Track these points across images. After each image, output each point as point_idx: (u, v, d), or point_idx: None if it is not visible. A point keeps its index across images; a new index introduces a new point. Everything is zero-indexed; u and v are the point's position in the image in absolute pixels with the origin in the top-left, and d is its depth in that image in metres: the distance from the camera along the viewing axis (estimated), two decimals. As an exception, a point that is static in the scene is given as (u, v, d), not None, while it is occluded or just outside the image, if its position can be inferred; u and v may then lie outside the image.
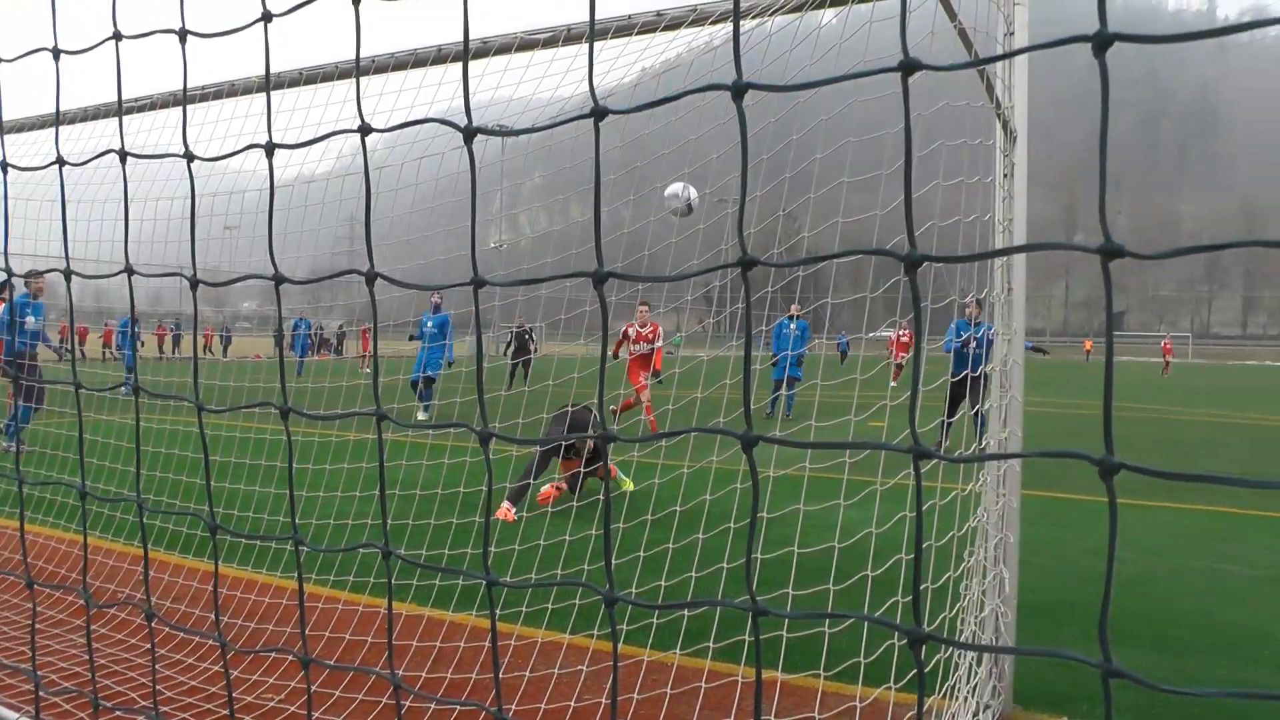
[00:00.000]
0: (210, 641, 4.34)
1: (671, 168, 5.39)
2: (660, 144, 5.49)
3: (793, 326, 17.56)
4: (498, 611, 5.66)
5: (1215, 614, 6.35)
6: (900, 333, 24.01)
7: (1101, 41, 1.00)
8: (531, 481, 8.46)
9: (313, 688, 4.41)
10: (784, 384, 16.38)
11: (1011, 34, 4.29)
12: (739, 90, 1.31)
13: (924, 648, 1.11)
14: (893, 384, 22.56)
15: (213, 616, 3.42)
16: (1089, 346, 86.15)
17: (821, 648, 3.92)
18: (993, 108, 4.38)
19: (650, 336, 15.30)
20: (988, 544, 4.32)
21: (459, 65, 5.23)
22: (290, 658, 4.68)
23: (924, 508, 4.12)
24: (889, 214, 3.27)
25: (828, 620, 4.27)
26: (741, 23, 4.65)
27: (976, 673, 4.30)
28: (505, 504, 8.30)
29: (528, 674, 4.71)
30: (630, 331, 15.42)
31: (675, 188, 4.83)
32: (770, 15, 4.57)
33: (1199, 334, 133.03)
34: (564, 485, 8.79)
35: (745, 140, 1.38)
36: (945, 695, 4.01)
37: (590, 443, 8.42)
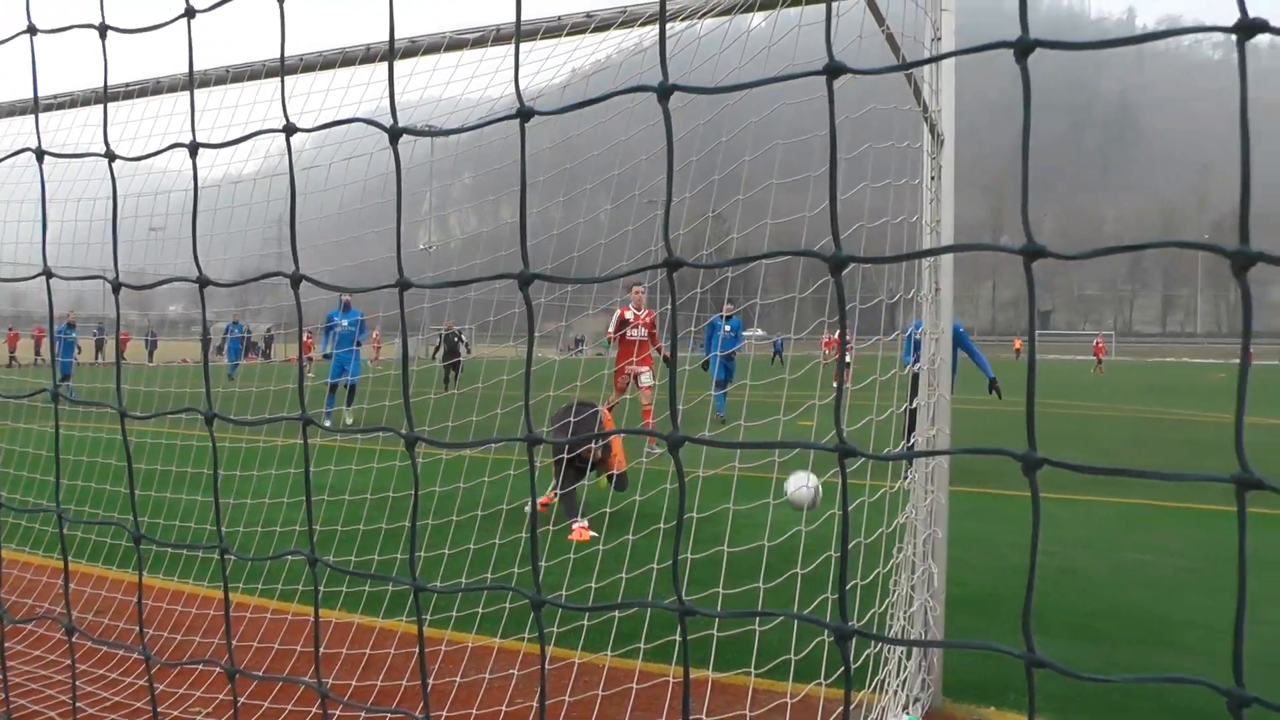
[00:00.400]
0: (134, 655, 4.24)
1: (601, 169, 5.38)
2: (590, 145, 5.48)
3: (726, 328, 17.48)
4: (428, 617, 5.60)
5: (1137, 603, 6.52)
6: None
7: (1023, 48, 1.02)
8: (569, 489, 8.15)
9: (240, 700, 4.33)
10: (720, 383, 16.40)
11: (939, 39, 4.36)
12: (665, 92, 1.31)
13: (852, 643, 1.12)
14: (848, 385, 22.36)
15: (137, 629, 3.34)
16: (1018, 345, 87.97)
17: (752, 645, 3.95)
18: (920, 112, 4.44)
19: (648, 322, 14.26)
20: (916, 540, 4.39)
21: (386, 63, 5.18)
22: (217, 669, 4.59)
23: (853, 505, 4.16)
24: (818, 215, 3.30)
25: (757, 618, 4.31)
26: (671, 25, 4.66)
27: (906, 666, 4.36)
28: (576, 523, 8.06)
29: (458, 679, 4.67)
30: (628, 315, 14.37)
31: (799, 478, 4.66)
32: (699, 18, 4.59)
33: (1121, 332, 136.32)
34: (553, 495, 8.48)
35: (671, 142, 1.38)
36: (875, 689, 4.06)
37: (594, 450, 8.17)
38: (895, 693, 4.15)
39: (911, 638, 4.40)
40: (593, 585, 5.08)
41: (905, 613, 4.36)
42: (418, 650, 1.50)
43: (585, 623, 5.03)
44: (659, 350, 14.97)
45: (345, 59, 5.38)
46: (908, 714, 4.18)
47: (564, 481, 8.10)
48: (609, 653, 4.65)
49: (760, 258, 1.37)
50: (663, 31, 1.40)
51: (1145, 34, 1.05)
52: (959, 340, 12.80)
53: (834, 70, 1.20)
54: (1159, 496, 10.69)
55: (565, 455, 7.78)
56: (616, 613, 5.07)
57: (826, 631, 1.18)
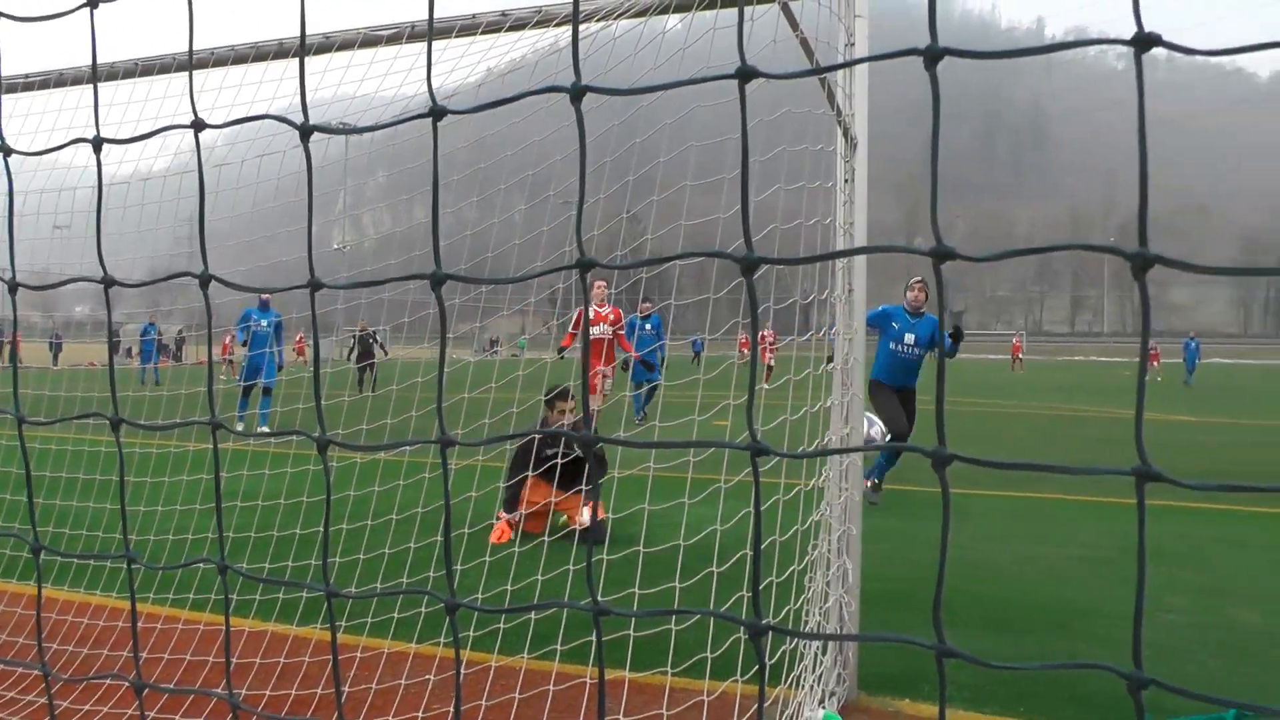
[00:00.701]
0: (35, 672, 4.10)
1: (516, 169, 5.36)
2: (505, 145, 5.46)
3: (647, 326, 17.31)
4: (343, 623, 5.52)
5: (1046, 593, 6.73)
6: (765, 332, 23.63)
7: (932, 55, 1.05)
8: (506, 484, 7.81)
9: (149, 715, 4.22)
10: (642, 383, 16.31)
11: (852, 44, 4.42)
12: (577, 93, 1.32)
13: (768, 639, 1.14)
14: (765, 385, 22.15)
15: (36, 644, 3.23)
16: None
17: (669, 645, 3.96)
18: (834, 116, 4.51)
19: (612, 319, 13.58)
20: (831, 536, 4.46)
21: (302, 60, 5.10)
22: (125, 684, 4.47)
23: (768, 504, 4.18)
24: (732, 216, 3.33)
25: (674, 617, 4.33)
26: (585, 25, 4.67)
27: (822, 661, 4.42)
28: (505, 518, 7.80)
29: (374, 686, 4.61)
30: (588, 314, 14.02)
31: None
32: (614, 19, 4.60)
33: (1032, 331, 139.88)
34: (513, 523, 7.87)
35: (583, 142, 1.38)
36: (791, 685, 4.11)
37: (571, 461, 7.72)
38: (811, 688, 4.20)
39: (827, 633, 4.46)
40: (509, 588, 5.05)
41: (821, 608, 4.43)
42: (331, 658, 1.48)
43: (502, 626, 5.00)
44: (632, 353, 14.49)
45: (258, 54, 5.28)
46: (823, 708, 4.23)
47: (558, 483, 7.66)
48: (526, 655, 4.63)
49: (672, 259, 1.38)
50: (575, 32, 1.40)
51: (1050, 44, 1.09)
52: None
53: (746, 74, 1.22)
54: (1067, 490, 11.03)
55: (559, 459, 7.39)
56: (533, 614, 5.05)
57: (742, 629, 1.20)
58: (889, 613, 5.98)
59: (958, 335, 9.40)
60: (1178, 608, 6.32)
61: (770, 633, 1.19)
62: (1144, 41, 0.97)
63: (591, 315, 13.24)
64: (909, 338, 9.80)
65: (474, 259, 5.23)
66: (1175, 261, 1.00)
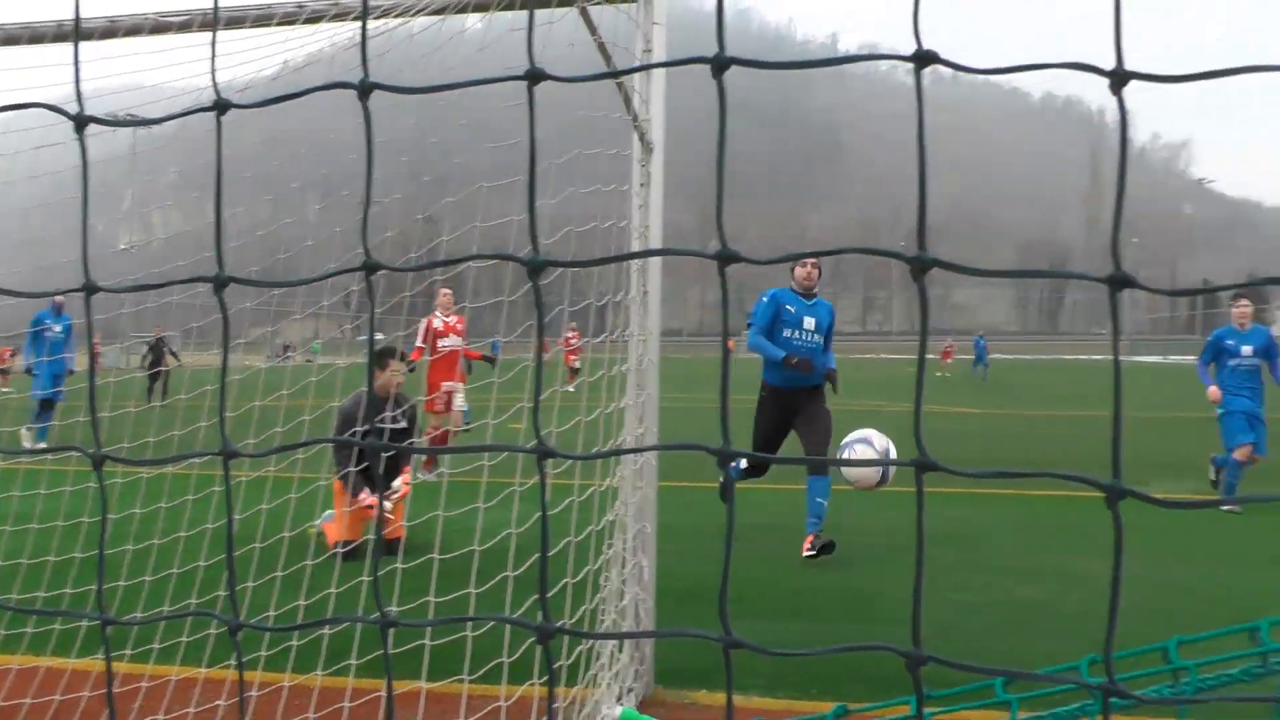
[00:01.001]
0: None
1: (310, 166, 5.20)
2: (298, 142, 5.28)
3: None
4: (127, 651, 5.18)
5: (839, 580, 7.11)
6: (568, 334, 23.09)
7: (719, 64, 1.08)
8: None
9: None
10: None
11: (649, 51, 4.49)
12: (365, 90, 1.29)
13: (564, 642, 1.14)
14: (569, 388, 21.38)
15: None
16: (731, 345, 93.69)
17: (465, 652, 3.92)
18: (630, 120, 4.57)
19: (460, 329, 12.37)
20: (627, 535, 4.51)
21: (85, 44, 4.77)
22: None
23: (563, 505, 4.19)
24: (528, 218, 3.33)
25: (469, 624, 4.29)
26: (384, 22, 4.56)
27: (619, 658, 4.48)
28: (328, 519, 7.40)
29: (162, 715, 4.37)
30: (436, 323, 12.30)
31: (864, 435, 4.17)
32: (412, 16, 4.52)
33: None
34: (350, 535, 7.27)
35: (370, 141, 1.35)
36: (588, 684, 4.14)
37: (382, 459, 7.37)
38: (608, 685, 4.25)
39: (623, 631, 4.52)
40: (302, 603, 4.86)
41: (617, 606, 4.48)
42: (107, 690, 1.39)
43: (295, 643, 4.82)
44: (483, 359, 13.64)
45: (33, 35, 4.92)
46: (621, 705, 4.29)
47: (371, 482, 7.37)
48: (320, 672, 4.48)
49: (459, 261, 1.37)
50: (364, 26, 1.38)
51: (832, 58, 1.13)
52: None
53: (534, 76, 1.22)
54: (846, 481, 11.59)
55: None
56: (327, 629, 4.88)
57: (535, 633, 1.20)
58: (685, 607, 6.11)
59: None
60: (966, 586, 6.78)
61: (562, 635, 1.20)
62: (923, 58, 1.03)
63: (440, 325, 12.29)
64: (808, 322, 8.20)
65: (265, 260, 5.03)
66: (951, 264, 1.07)
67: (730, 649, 1.09)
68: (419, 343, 12.22)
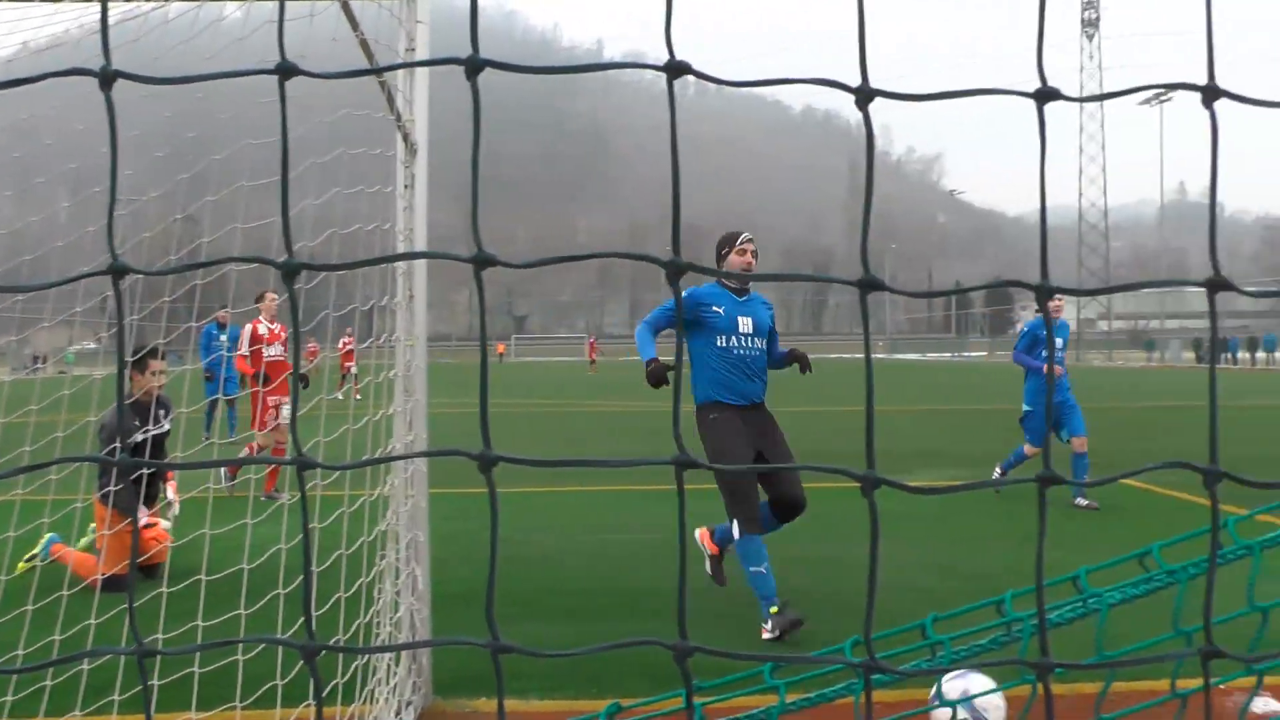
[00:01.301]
0: None
1: (58, 159, 4.80)
2: (45, 133, 4.88)
3: (222, 338, 15.71)
4: None
5: (614, 580, 7.22)
6: (345, 339, 22.09)
7: (473, 66, 1.06)
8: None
9: None
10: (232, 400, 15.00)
11: (413, 50, 4.41)
12: (107, 78, 1.19)
13: (340, 658, 1.09)
14: (338, 395, 21.31)
15: None
16: (501, 349, 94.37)
17: (236, 676, 3.72)
18: (394, 120, 4.46)
19: (285, 337, 11.25)
20: (399, 544, 4.41)
21: None
22: None
23: (333, 517, 4.05)
24: (291, 219, 3.19)
25: (241, 647, 4.08)
26: (137, 4, 4.26)
27: (396, 672, 4.37)
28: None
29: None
30: (261, 330, 11.25)
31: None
32: (167, 1, 4.27)
33: (595, 334, 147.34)
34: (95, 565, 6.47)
35: (115, 133, 1.26)
36: (366, 700, 4.02)
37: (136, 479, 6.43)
38: (386, 700, 4.14)
39: (399, 642, 4.42)
40: (57, 638, 4.44)
41: (392, 619, 4.37)
42: None
43: (49, 682, 4.44)
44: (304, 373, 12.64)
45: None
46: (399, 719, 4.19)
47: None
48: (79, 712, 4.13)
49: (217, 263, 1.30)
50: (105, 9, 1.28)
51: (592, 64, 1.14)
52: None
53: (286, 70, 1.17)
54: (618, 481, 11.80)
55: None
56: (86, 663, 4.50)
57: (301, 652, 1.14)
58: (460, 614, 6.03)
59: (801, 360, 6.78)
60: (737, 576, 7.01)
61: (330, 651, 1.15)
62: (675, 69, 1.06)
63: (265, 332, 11.27)
64: (744, 324, 6.36)
65: (9, 261, 4.61)
66: (705, 268, 1.10)
67: (499, 654, 1.08)
68: (243, 350, 11.26)
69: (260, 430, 10.65)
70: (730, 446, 6.11)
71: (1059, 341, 11.63)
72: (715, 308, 6.32)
